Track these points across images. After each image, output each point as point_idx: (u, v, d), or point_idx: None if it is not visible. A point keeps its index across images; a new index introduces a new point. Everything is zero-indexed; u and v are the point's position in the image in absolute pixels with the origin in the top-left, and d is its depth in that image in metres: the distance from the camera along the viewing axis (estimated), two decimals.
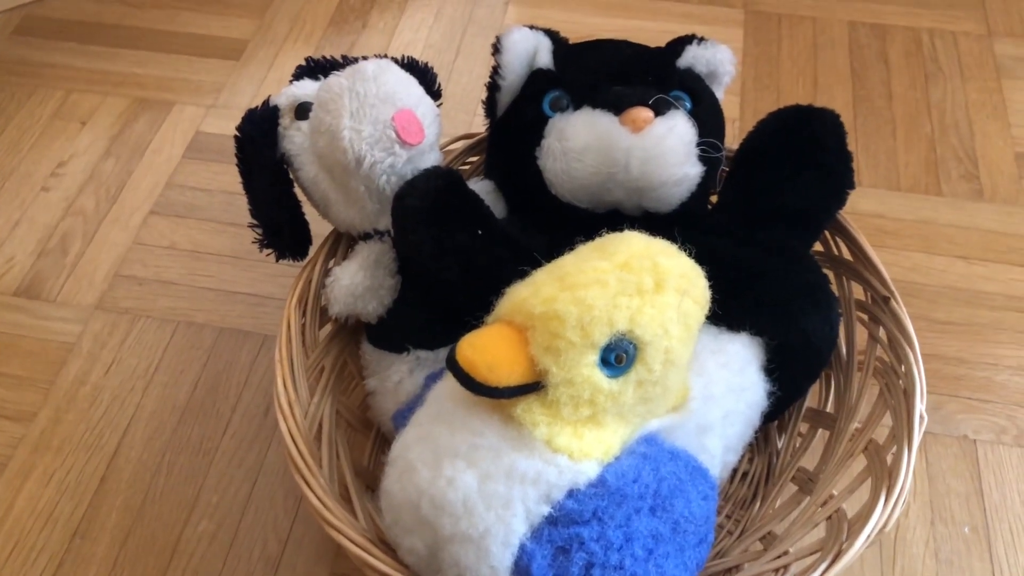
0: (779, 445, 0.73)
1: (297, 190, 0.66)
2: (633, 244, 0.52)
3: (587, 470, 0.50)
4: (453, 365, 0.47)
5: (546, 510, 0.50)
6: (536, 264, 0.60)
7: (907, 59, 1.09)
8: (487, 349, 0.48)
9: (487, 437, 0.50)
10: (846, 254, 0.72)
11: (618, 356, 0.49)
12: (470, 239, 0.60)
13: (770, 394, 0.63)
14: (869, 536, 0.54)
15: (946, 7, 1.15)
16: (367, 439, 0.73)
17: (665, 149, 0.61)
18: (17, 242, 0.93)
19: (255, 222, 0.65)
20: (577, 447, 0.50)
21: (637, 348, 0.49)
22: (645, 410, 0.53)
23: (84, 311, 0.87)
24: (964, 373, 0.81)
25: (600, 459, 0.51)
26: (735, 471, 0.72)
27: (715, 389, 0.59)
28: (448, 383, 0.54)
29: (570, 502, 0.50)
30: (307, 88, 0.65)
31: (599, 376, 0.49)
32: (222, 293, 0.88)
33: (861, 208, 0.93)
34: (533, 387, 0.48)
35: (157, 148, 1.01)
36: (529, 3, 1.17)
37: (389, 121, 0.59)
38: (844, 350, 0.71)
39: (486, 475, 0.49)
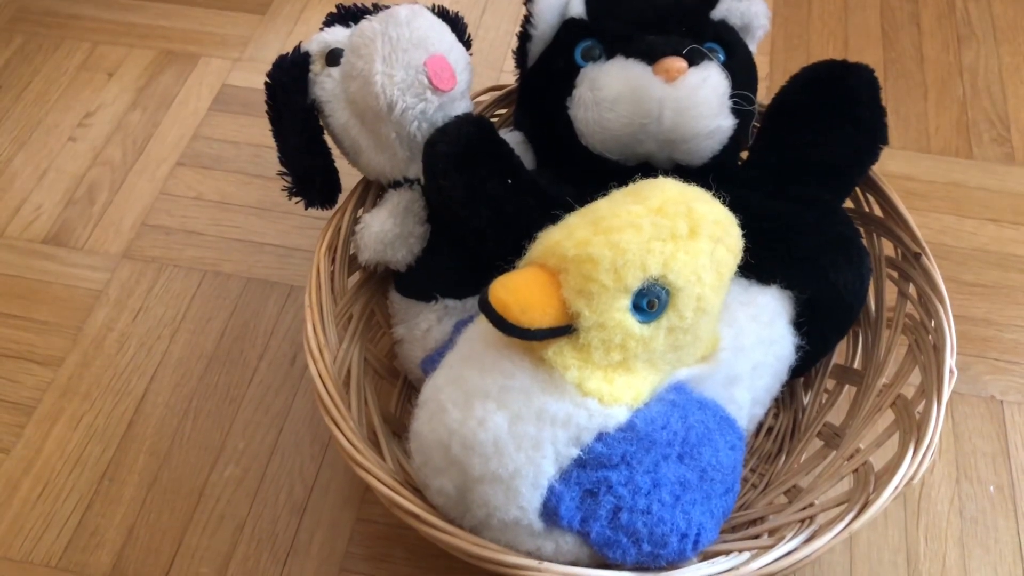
0: (805, 401, 0.73)
1: (327, 138, 0.66)
2: (668, 189, 0.52)
3: (617, 415, 0.51)
4: (486, 306, 0.47)
5: (575, 452, 0.50)
6: (566, 213, 0.60)
7: (940, 22, 1.08)
8: (520, 291, 0.48)
9: (518, 379, 0.50)
10: (877, 211, 0.71)
11: (650, 301, 0.49)
12: (500, 187, 0.59)
13: (798, 348, 0.63)
14: (896, 488, 0.54)
15: None
16: (394, 387, 0.73)
17: (698, 100, 0.61)
18: (45, 191, 0.93)
19: (284, 170, 0.65)
20: (607, 391, 0.50)
21: (669, 294, 0.49)
22: (675, 358, 0.52)
23: (111, 259, 0.88)
24: (992, 335, 0.81)
25: (629, 404, 0.51)
26: (760, 425, 0.73)
27: (745, 340, 0.59)
28: (480, 325, 0.54)
29: (599, 445, 0.50)
30: (338, 35, 0.65)
31: (631, 321, 0.49)
32: (249, 244, 0.88)
33: (890, 170, 0.92)
34: (565, 330, 0.48)
35: (184, 100, 1.01)
36: None
37: (421, 66, 0.59)
38: (873, 306, 0.71)
39: (516, 416, 0.49)
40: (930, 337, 0.63)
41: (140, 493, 0.72)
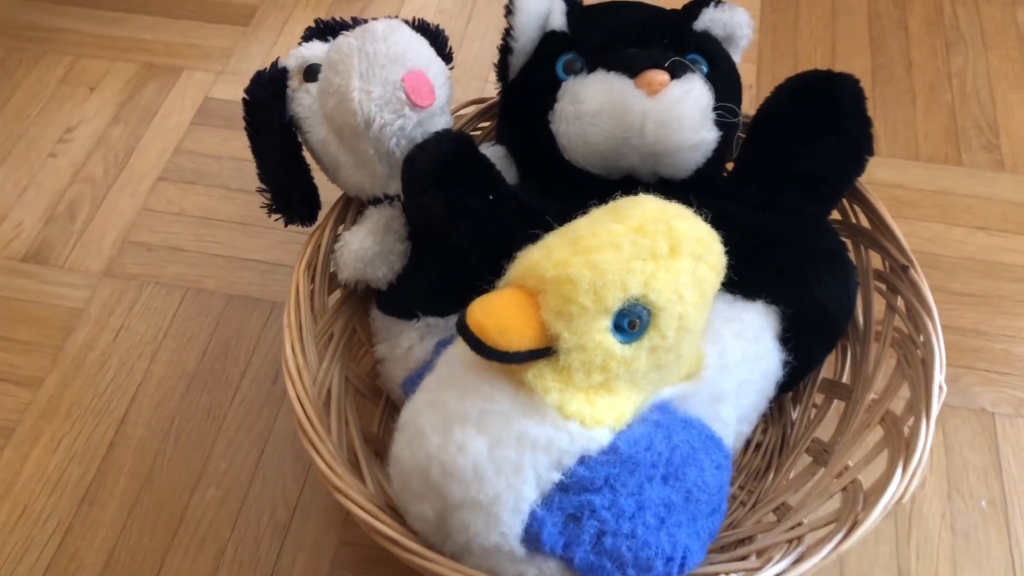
0: (793, 416, 0.72)
1: (306, 154, 0.65)
2: (648, 207, 0.51)
3: (599, 437, 0.50)
4: (464, 329, 0.46)
5: (557, 477, 0.49)
6: (547, 230, 0.59)
7: (928, 27, 1.07)
8: (498, 313, 0.47)
9: (498, 403, 0.49)
10: (864, 222, 0.70)
11: (631, 322, 0.48)
12: (481, 202, 0.58)
13: (785, 364, 0.62)
14: (886, 507, 0.53)
15: None
16: (376, 407, 0.72)
17: (681, 113, 0.60)
18: (25, 208, 0.92)
19: (263, 187, 0.64)
20: (589, 413, 0.49)
21: (651, 314, 0.48)
22: (658, 377, 0.52)
23: (92, 277, 0.87)
24: (982, 345, 0.80)
25: (612, 426, 0.50)
26: (748, 441, 0.72)
27: (730, 358, 0.58)
28: (459, 348, 0.53)
29: (582, 469, 0.49)
30: (316, 50, 0.64)
31: (612, 342, 0.48)
32: (231, 260, 0.87)
33: (879, 178, 0.92)
34: (544, 352, 0.47)
35: (166, 114, 1.00)
36: None
37: (399, 82, 0.58)
38: (861, 320, 0.70)
39: (497, 441, 0.48)
40: (918, 352, 0.63)
41: (121, 516, 0.71)
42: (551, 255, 0.49)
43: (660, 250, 0.48)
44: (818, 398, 0.72)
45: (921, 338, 0.63)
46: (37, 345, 0.82)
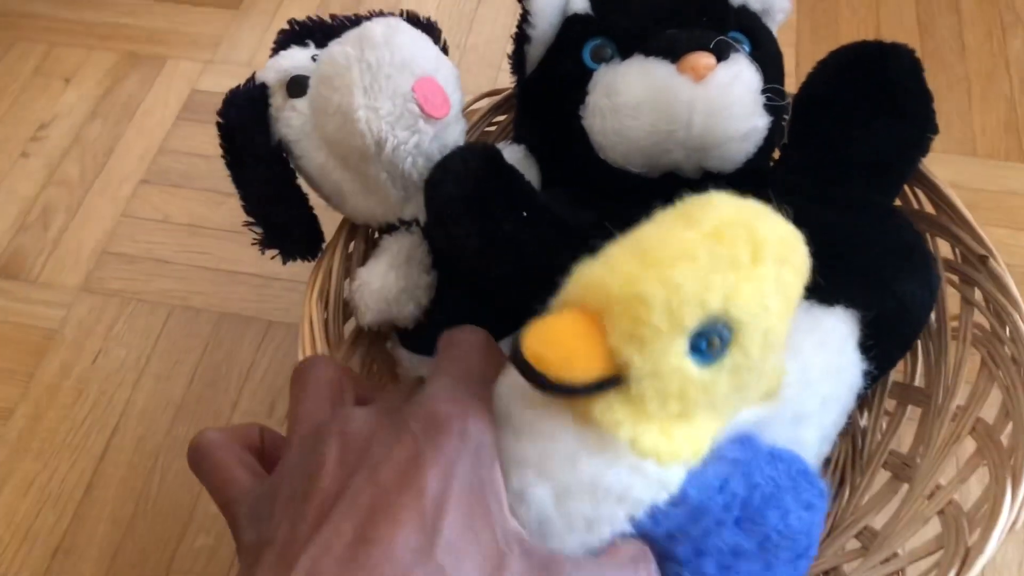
0: (863, 424, 0.65)
1: (300, 180, 0.56)
2: (723, 209, 0.43)
3: (671, 480, 0.41)
4: (520, 362, 0.38)
5: (629, 530, 0.41)
6: (587, 245, 0.53)
7: (981, 7, 0.98)
8: (559, 341, 0.39)
9: (561, 442, 0.41)
10: (928, 208, 0.64)
11: (711, 341, 0.40)
12: (518, 226, 0.52)
13: (866, 374, 0.56)
14: (1001, 534, 0.47)
15: None
16: None
17: (732, 99, 0.54)
18: None
19: (251, 220, 0.56)
20: (666, 448, 0.41)
21: (732, 331, 0.40)
22: (739, 398, 0.44)
23: (68, 293, 0.79)
24: None
25: (687, 461, 0.42)
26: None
27: (812, 373, 0.51)
28: (508, 380, 0.45)
29: (648, 521, 0.41)
30: (296, 58, 0.55)
31: (689, 366, 0.40)
32: (222, 273, 0.79)
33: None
34: (613, 382, 0.39)
35: (148, 109, 0.92)
36: None
37: (409, 93, 0.49)
38: (934, 315, 0.63)
39: (565, 490, 0.40)
40: (1006, 349, 0.57)
41: (100, 568, 0.64)
42: (616, 270, 0.41)
43: (741, 259, 0.40)
44: (889, 404, 0.65)
45: (1008, 334, 0.56)
46: (7, 371, 0.74)
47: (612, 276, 0.40)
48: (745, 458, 0.44)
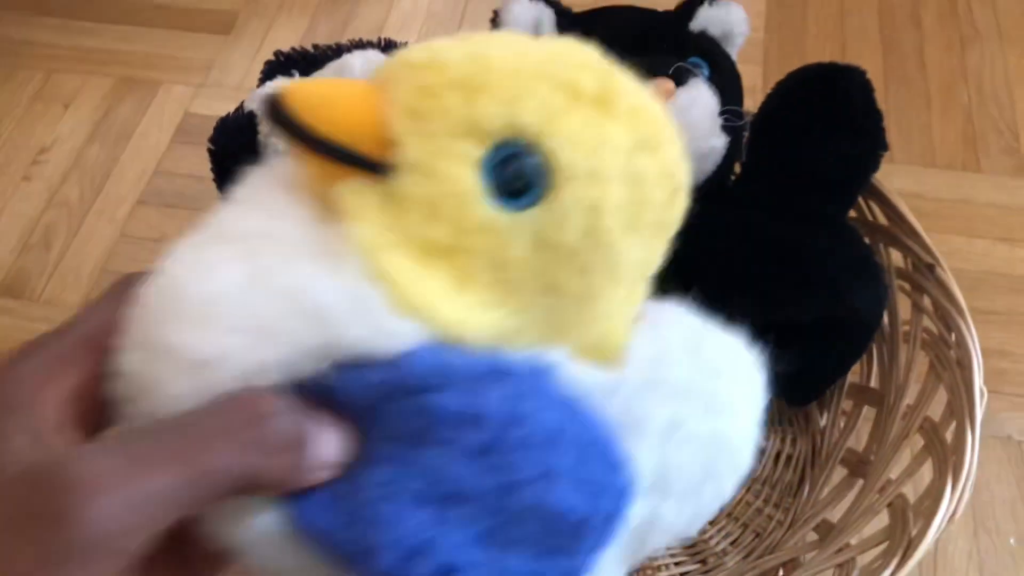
0: (822, 423, 0.69)
1: None
2: (588, 52, 0.32)
3: (398, 333, 0.28)
4: (273, 101, 0.27)
5: (309, 370, 0.28)
6: None
7: (942, 22, 1.02)
8: (331, 93, 0.29)
9: (281, 221, 0.29)
10: (881, 219, 0.67)
11: (516, 176, 0.28)
12: None
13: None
14: (940, 525, 0.51)
15: None
16: None
17: (690, 121, 0.57)
18: None
19: None
20: (412, 283, 0.28)
21: (546, 175, 0.29)
22: (547, 309, 0.30)
23: (70, 311, 0.82)
24: (1008, 367, 0.76)
25: (439, 327, 0.28)
26: (779, 453, 0.69)
27: (669, 372, 0.32)
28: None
29: (350, 379, 0.28)
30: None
31: (475, 189, 0.28)
32: None
33: (895, 187, 0.86)
34: (374, 166, 0.28)
35: (144, 132, 0.96)
36: None
37: None
38: (887, 321, 0.67)
39: (257, 275, 0.27)
40: (952, 352, 0.60)
41: None
42: (428, 45, 0.30)
43: (584, 89, 0.29)
44: (847, 404, 0.69)
45: (953, 338, 0.60)
46: None
47: (417, 48, 0.31)
48: (526, 382, 0.29)
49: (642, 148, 0.30)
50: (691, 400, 0.32)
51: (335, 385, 0.27)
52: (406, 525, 0.27)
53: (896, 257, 0.67)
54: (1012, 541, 0.67)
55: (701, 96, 0.58)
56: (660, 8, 0.66)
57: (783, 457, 0.69)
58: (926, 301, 0.64)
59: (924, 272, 0.64)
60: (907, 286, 0.66)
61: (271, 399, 0.26)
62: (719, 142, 0.59)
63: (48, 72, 1.02)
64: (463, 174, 0.28)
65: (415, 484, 0.27)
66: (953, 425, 0.57)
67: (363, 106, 0.28)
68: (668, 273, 0.59)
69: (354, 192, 0.28)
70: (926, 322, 0.64)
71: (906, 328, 0.66)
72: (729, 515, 0.66)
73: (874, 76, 0.93)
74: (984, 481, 0.70)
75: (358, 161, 0.28)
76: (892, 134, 0.91)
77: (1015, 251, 0.83)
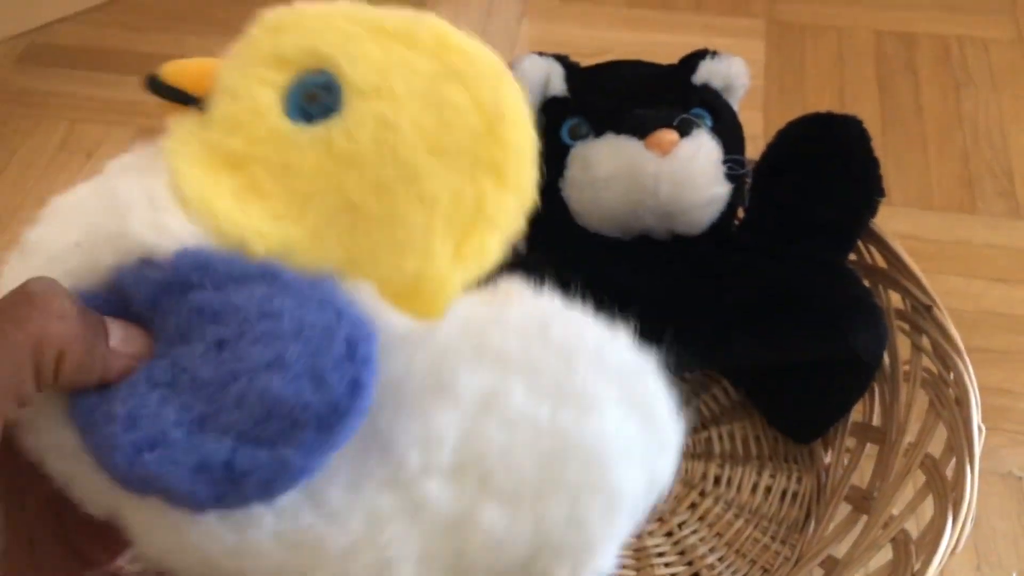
0: (827, 461, 0.71)
1: None
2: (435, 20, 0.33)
3: (180, 231, 0.30)
4: (150, 74, 0.34)
5: (108, 262, 0.30)
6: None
7: (936, 68, 1.05)
8: (188, 62, 0.34)
9: (139, 157, 0.34)
10: (880, 262, 0.70)
11: (308, 92, 0.32)
12: None
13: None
14: (942, 559, 0.53)
15: (975, 12, 1.11)
16: None
17: (694, 171, 0.60)
18: None
19: None
20: (196, 183, 0.30)
21: (339, 92, 0.31)
22: (346, 229, 0.30)
23: None
24: (1008, 405, 0.78)
25: (221, 228, 0.30)
26: (784, 491, 0.70)
27: (495, 340, 0.30)
28: None
29: (127, 276, 0.30)
30: None
31: (271, 103, 0.31)
32: None
33: (893, 229, 0.89)
34: (197, 100, 0.32)
35: None
36: (544, 17, 1.14)
37: None
38: (888, 360, 0.69)
39: (97, 188, 0.34)
40: (950, 391, 0.62)
41: None
42: None
43: (388, 25, 0.32)
44: (850, 442, 0.71)
45: (952, 377, 0.62)
46: None
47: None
48: (295, 286, 0.29)
49: (449, 78, 0.31)
50: (523, 377, 0.28)
51: (125, 282, 0.29)
52: (141, 420, 0.27)
53: (895, 299, 0.70)
54: (1015, 575, 0.68)
55: (704, 146, 0.61)
56: (664, 62, 0.69)
57: (789, 494, 0.70)
58: (925, 341, 0.67)
59: (922, 313, 0.67)
60: (906, 327, 0.69)
61: (60, 290, 0.27)
62: (722, 189, 0.62)
63: (72, 122, 1.05)
64: (262, 93, 0.31)
65: (162, 378, 0.27)
66: (953, 461, 0.59)
67: (207, 64, 0.33)
68: (673, 314, 0.62)
69: (177, 120, 0.32)
70: (925, 361, 0.67)
71: (906, 368, 0.68)
72: (737, 551, 0.67)
73: (871, 120, 0.97)
74: (986, 516, 0.71)
75: (184, 97, 0.32)
76: (890, 177, 0.93)
77: (1012, 291, 0.85)
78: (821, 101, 1.02)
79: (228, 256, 0.29)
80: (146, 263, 0.29)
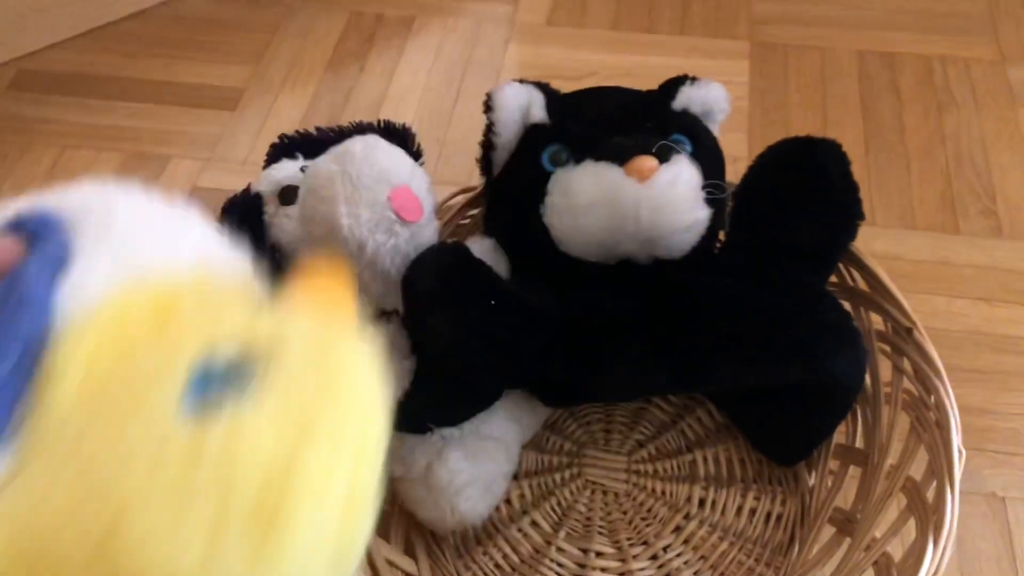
0: (810, 483, 0.71)
1: None
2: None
3: None
4: None
5: None
6: (550, 326, 0.59)
7: (918, 89, 1.06)
8: None
9: None
10: (861, 284, 0.71)
11: None
12: (486, 313, 0.58)
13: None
14: None
15: (957, 33, 1.12)
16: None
17: (674, 196, 0.60)
18: None
19: None
20: None
21: None
22: None
23: None
24: (990, 424, 0.78)
25: None
26: (769, 514, 0.71)
27: None
28: None
29: None
30: (287, 170, 0.63)
31: None
32: None
33: (876, 249, 0.90)
34: None
35: None
36: (530, 42, 1.15)
37: (386, 202, 0.57)
38: (869, 382, 0.69)
39: None
40: (931, 414, 0.63)
41: None
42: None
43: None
44: (833, 464, 0.71)
45: (932, 400, 0.63)
46: None
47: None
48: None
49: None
50: None
51: None
52: None
53: (876, 321, 0.70)
54: None
55: (684, 172, 0.61)
56: (649, 84, 0.70)
57: (773, 517, 0.71)
58: (906, 363, 0.67)
59: (903, 335, 0.67)
60: (888, 348, 0.70)
61: None
62: (703, 214, 0.62)
63: (62, 148, 1.06)
64: None
65: None
66: (934, 484, 0.60)
67: None
68: (654, 338, 0.62)
69: None
70: (906, 383, 0.67)
71: (887, 390, 0.68)
72: (722, 574, 0.68)
73: (854, 141, 0.98)
74: (969, 537, 0.72)
75: None
76: (872, 197, 0.95)
77: (995, 311, 0.86)
78: (805, 122, 1.02)
79: None
80: None
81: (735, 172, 0.68)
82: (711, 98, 0.68)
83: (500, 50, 1.14)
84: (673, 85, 0.69)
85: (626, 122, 0.65)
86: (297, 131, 0.67)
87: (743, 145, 0.99)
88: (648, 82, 0.69)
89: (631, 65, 1.10)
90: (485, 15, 1.18)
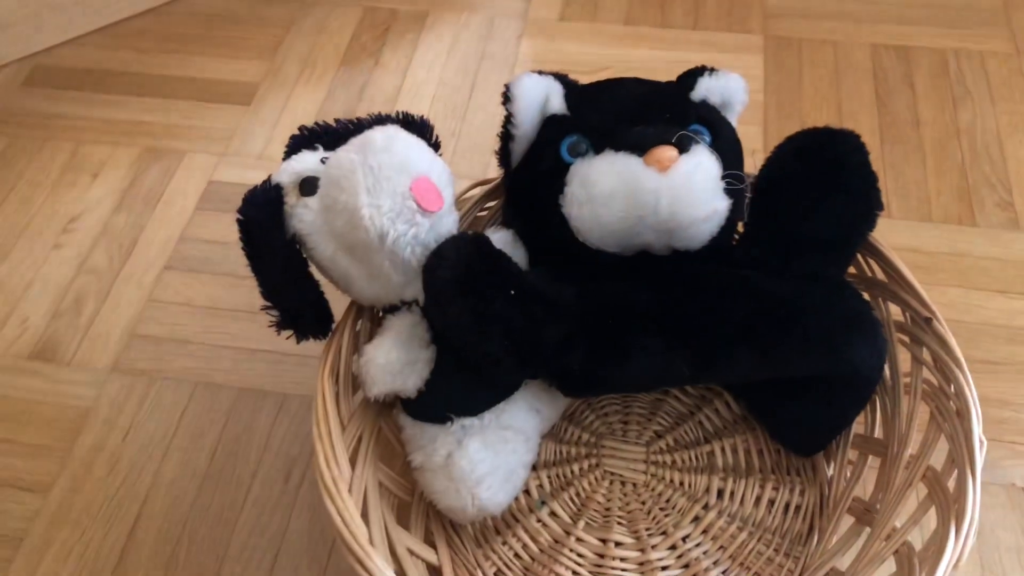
0: (829, 473, 0.71)
1: (312, 268, 0.63)
2: None
3: None
4: None
5: None
6: (570, 317, 0.59)
7: (933, 82, 1.06)
8: None
9: None
10: (880, 275, 0.70)
11: None
12: (507, 304, 0.58)
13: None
14: (946, 572, 0.53)
15: (972, 26, 1.12)
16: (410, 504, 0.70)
17: (693, 186, 0.60)
18: (31, 303, 0.91)
19: (268, 303, 0.62)
20: None
21: None
22: None
23: (100, 374, 0.85)
24: (1008, 416, 0.78)
25: None
26: (788, 504, 0.71)
27: None
28: None
29: None
30: (307, 161, 0.63)
31: None
32: (240, 351, 0.86)
33: (893, 242, 0.90)
34: None
35: (169, 200, 1.00)
36: (543, 35, 1.15)
37: (407, 191, 0.57)
38: (888, 373, 0.69)
39: None
40: (951, 403, 0.63)
41: None
42: None
43: None
44: (852, 454, 0.71)
45: (952, 389, 0.63)
46: (46, 448, 0.80)
47: None
48: None
49: None
50: None
51: None
52: None
53: (895, 311, 0.70)
54: None
55: (703, 162, 0.61)
56: (662, 78, 0.70)
57: (792, 507, 0.71)
58: (925, 353, 0.67)
59: (922, 325, 0.67)
60: (907, 339, 0.69)
61: None
62: (722, 204, 0.62)
63: (77, 143, 1.06)
64: None
65: None
66: (955, 474, 0.60)
67: None
68: (673, 329, 0.62)
69: None
70: (926, 374, 0.67)
71: (907, 380, 0.68)
72: (741, 564, 0.68)
73: (869, 134, 0.98)
74: (989, 528, 0.72)
75: None
76: (889, 190, 0.94)
77: (1012, 303, 0.85)
78: (819, 115, 1.02)
79: None
80: None
81: (751, 165, 0.68)
82: (730, 89, 0.68)
83: (513, 45, 1.14)
84: (692, 76, 0.69)
85: (645, 112, 0.65)
86: (316, 123, 0.67)
87: (759, 138, 0.99)
88: (662, 77, 0.69)
89: (644, 60, 1.10)
90: (498, 10, 1.19)
